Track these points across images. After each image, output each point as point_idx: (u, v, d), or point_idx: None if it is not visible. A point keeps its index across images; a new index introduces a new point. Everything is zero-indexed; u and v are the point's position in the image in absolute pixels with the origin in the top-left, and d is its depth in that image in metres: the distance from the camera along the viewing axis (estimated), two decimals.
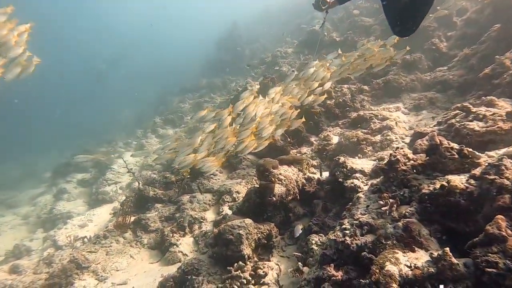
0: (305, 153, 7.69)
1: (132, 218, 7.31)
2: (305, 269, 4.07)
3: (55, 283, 5.98)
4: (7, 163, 22.90)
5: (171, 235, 6.57)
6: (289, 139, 7.94)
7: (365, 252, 3.01)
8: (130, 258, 6.65)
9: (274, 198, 5.08)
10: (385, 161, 4.00)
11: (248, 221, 4.74)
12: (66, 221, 10.59)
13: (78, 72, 47.98)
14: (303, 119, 5.80)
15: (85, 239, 8.04)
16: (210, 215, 7.17)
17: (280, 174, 5.46)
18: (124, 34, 56.39)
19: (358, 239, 3.18)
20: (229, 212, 6.48)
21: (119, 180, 12.78)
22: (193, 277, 4.73)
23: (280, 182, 5.38)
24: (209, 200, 7.44)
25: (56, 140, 25.74)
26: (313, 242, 4.39)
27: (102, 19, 62.93)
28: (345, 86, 9.46)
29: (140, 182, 8.87)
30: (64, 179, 14.57)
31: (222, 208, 6.95)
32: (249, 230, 4.67)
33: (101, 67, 43.31)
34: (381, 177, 3.94)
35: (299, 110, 5.65)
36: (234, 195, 7.19)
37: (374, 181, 4.03)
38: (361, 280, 2.65)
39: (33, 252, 9.93)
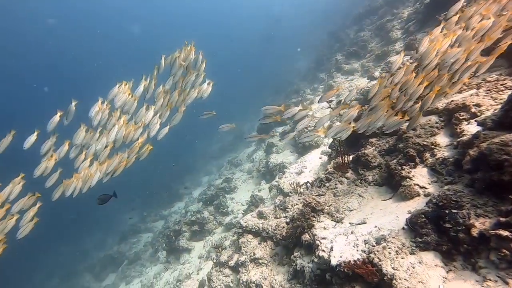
0: None
1: (350, 158, 7.25)
2: None
3: (298, 226, 6.71)
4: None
5: (399, 168, 6.08)
6: None
7: None
8: (359, 197, 6.66)
9: None
10: None
11: None
12: (283, 170, 11.95)
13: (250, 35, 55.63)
14: None
15: (308, 184, 8.70)
16: (442, 139, 6.17)
17: None
18: None
19: None
20: (475, 129, 5.30)
21: None
22: (453, 210, 4.10)
23: None
24: (436, 123, 6.39)
25: (252, 99, 29.69)
26: None
27: None
28: None
29: None
30: (268, 134, 16.52)
31: (460, 128, 5.79)
32: None
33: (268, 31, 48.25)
34: None
35: None
36: (473, 110, 5.84)
37: None
38: None
39: (265, 200, 11.82)
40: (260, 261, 7.59)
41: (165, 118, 6.17)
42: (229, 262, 8.45)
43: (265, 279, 7.04)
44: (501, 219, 3.43)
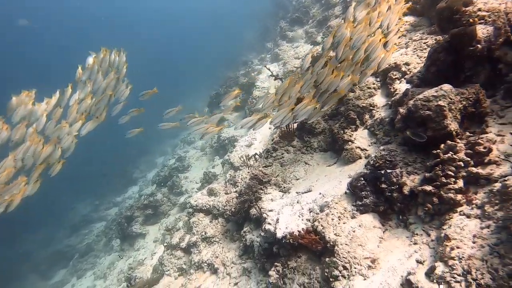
0: None
1: (295, 125, 7.25)
2: None
3: (246, 200, 6.69)
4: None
5: (341, 132, 6.17)
6: None
7: None
8: (306, 165, 6.72)
9: (479, 46, 3.71)
10: None
11: (447, 87, 3.68)
12: (234, 144, 11.84)
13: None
14: None
15: (256, 156, 8.67)
16: (379, 100, 6.32)
17: (479, 10, 3.92)
18: None
19: None
20: (404, 87, 5.46)
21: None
22: (388, 170, 4.21)
23: (483, 21, 3.89)
24: (373, 83, 6.50)
25: (205, 76, 28.97)
26: None
27: None
28: None
29: None
30: (219, 109, 16.22)
31: (394, 87, 5.94)
32: (450, 99, 3.64)
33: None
34: None
35: None
36: (403, 68, 6.01)
37: None
38: None
39: (218, 176, 11.72)
40: (212, 239, 7.57)
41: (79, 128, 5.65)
42: (181, 244, 8.35)
43: (217, 257, 7.04)
44: (426, 174, 3.56)
